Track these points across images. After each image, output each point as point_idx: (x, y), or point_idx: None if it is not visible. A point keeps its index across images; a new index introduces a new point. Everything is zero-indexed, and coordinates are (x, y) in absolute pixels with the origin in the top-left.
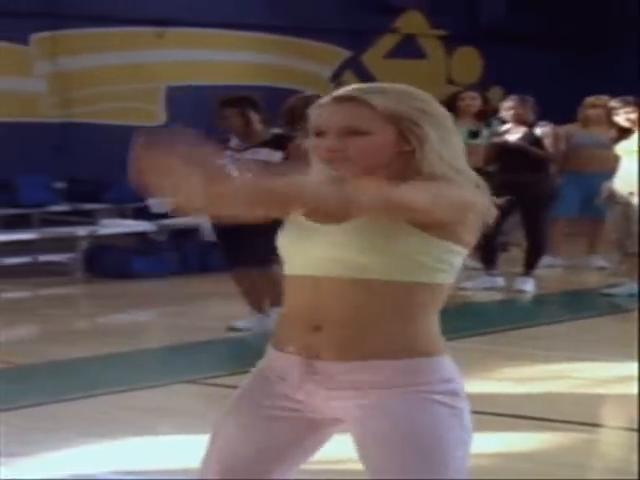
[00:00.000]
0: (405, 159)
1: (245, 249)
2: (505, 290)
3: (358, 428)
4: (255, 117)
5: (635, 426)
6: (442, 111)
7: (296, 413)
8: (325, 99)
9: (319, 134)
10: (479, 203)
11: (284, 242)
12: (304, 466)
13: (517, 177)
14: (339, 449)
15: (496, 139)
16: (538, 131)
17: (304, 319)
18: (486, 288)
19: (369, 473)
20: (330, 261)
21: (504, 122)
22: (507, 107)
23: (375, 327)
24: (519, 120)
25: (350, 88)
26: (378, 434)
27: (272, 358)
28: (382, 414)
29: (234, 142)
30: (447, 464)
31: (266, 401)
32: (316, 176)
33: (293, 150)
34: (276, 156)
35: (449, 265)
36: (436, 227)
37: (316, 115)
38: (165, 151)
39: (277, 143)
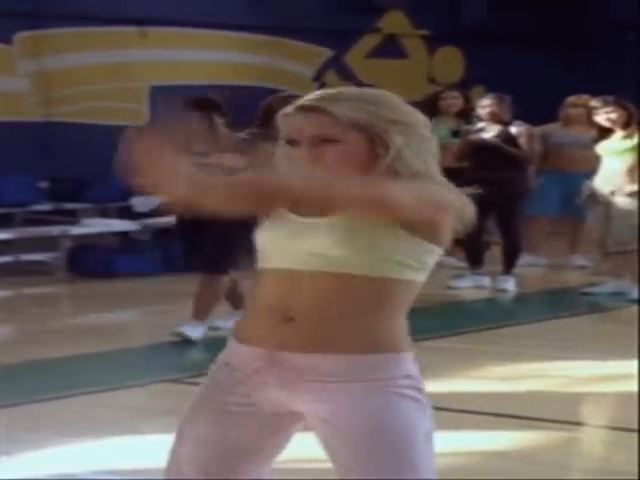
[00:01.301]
0: (380, 166)
1: (206, 250)
2: (489, 289)
3: (324, 425)
4: (219, 121)
5: (616, 424)
6: (413, 116)
7: (257, 408)
8: (290, 108)
9: (291, 143)
10: (456, 203)
11: (264, 235)
12: (276, 466)
13: (490, 175)
14: (309, 448)
15: (471, 136)
16: (513, 130)
17: (276, 311)
18: (473, 287)
19: (339, 471)
20: (306, 254)
21: (480, 120)
22: (483, 105)
23: (344, 321)
24: (495, 118)
25: (313, 96)
26: (346, 430)
27: (234, 351)
28: (348, 410)
29: (199, 147)
30: (418, 458)
31: (228, 398)
32: None
33: (261, 153)
34: (241, 161)
35: (422, 263)
36: (414, 225)
37: (285, 124)
38: (153, 144)
39: (242, 148)
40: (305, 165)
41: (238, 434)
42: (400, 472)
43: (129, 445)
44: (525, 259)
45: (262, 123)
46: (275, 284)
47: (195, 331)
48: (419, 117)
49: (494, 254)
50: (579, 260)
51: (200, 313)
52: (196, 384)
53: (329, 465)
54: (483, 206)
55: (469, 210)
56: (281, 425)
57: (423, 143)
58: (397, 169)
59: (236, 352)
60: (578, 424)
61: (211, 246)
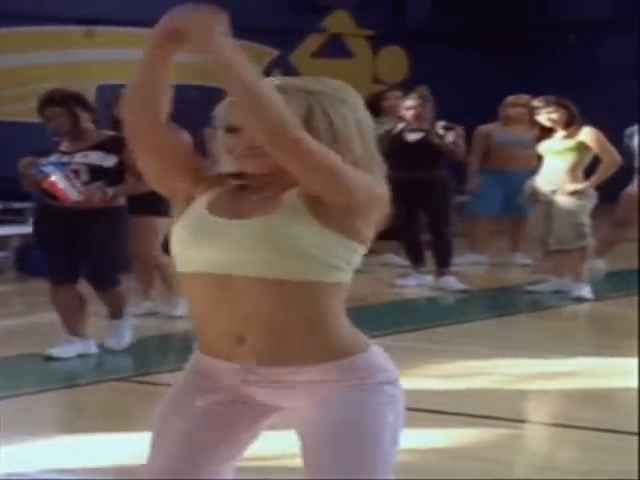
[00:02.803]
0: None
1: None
2: (432, 287)
3: (299, 426)
4: (84, 116)
5: (558, 421)
6: (353, 98)
7: (230, 408)
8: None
9: (231, 131)
10: (385, 197)
11: (182, 236)
12: (241, 464)
13: (414, 175)
14: (275, 445)
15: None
16: (439, 130)
17: (223, 329)
18: (416, 285)
19: (306, 470)
20: (230, 257)
21: (404, 120)
22: (407, 106)
23: (295, 332)
24: (418, 119)
25: None
26: (313, 428)
27: (202, 360)
28: (316, 409)
29: (64, 145)
30: (376, 460)
31: (198, 402)
32: (224, 170)
33: (130, 153)
34: (110, 160)
35: (349, 264)
36: (340, 222)
37: (227, 112)
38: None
39: (111, 146)
40: (243, 153)
41: (205, 438)
42: (355, 472)
43: (77, 443)
44: (468, 257)
45: None
46: (204, 291)
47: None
48: (357, 96)
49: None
50: (521, 258)
51: (71, 329)
52: (144, 383)
53: (290, 462)
54: (413, 206)
55: (387, 205)
56: (248, 427)
57: (366, 121)
58: (342, 153)
59: (200, 359)
60: (521, 421)
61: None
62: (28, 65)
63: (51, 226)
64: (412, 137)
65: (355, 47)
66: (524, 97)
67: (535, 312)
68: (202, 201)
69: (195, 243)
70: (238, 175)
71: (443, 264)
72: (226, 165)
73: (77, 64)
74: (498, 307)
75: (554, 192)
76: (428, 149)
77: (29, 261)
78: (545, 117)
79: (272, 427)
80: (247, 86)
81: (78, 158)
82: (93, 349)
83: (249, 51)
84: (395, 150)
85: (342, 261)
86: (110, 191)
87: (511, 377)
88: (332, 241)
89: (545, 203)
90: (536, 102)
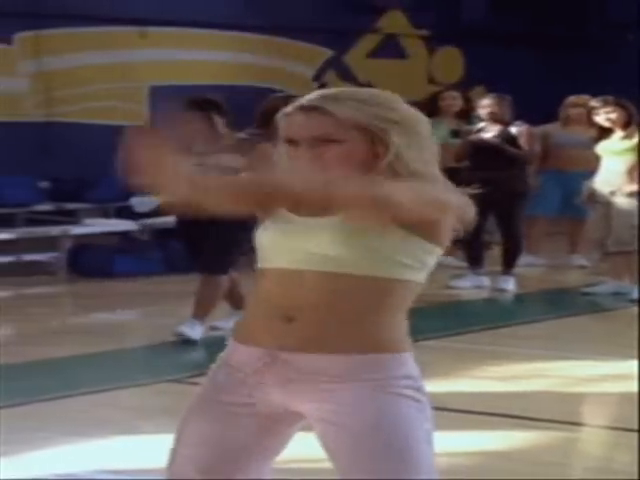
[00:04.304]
0: (381, 165)
1: (206, 251)
2: (488, 289)
3: (324, 425)
4: (219, 120)
5: (616, 424)
6: (413, 116)
7: (257, 410)
8: (290, 108)
9: (291, 143)
10: (455, 203)
11: (264, 235)
12: (276, 466)
13: (490, 175)
14: (310, 447)
15: (472, 137)
16: (513, 130)
17: (276, 311)
18: (472, 287)
19: (339, 471)
20: (307, 254)
21: (481, 120)
22: (483, 105)
23: (344, 321)
24: (495, 118)
25: (314, 96)
26: (346, 430)
27: (234, 351)
28: (348, 410)
29: (198, 146)
30: (417, 458)
31: (227, 398)
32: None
33: (257, 155)
34: (240, 161)
35: (423, 264)
36: (414, 225)
37: (286, 124)
38: (153, 143)
39: (240, 148)
40: (304, 166)
41: (237, 434)
42: (399, 472)
43: (130, 445)
44: (524, 259)
45: (261, 124)
46: (275, 284)
47: (194, 331)
48: (419, 117)
49: (494, 254)
50: (578, 260)
51: (200, 313)
52: (196, 384)
53: (328, 465)
54: (483, 206)
55: (469, 210)
56: (281, 425)
57: (423, 142)
58: (397, 169)
59: (236, 352)
60: (578, 424)
61: (211, 246)
62: (81, 66)
63: (189, 225)
64: (485, 136)
65: (410, 47)
66: (584, 97)
67: (593, 314)
68: (278, 214)
69: (275, 241)
70: None
71: (510, 264)
72: (291, 169)
73: (130, 65)
74: (555, 309)
75: (612, 193)
76: (500, 149)
77: (81, 262)
78: (603, 117)
79: (304, 428)
80: (239, 185)
81: (212, 160)
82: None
83: (303, 52)
84: (471, 150)
85: (414, 260)
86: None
87: (568, 379)
88: (407, 242)
89: (603, 204)
90: (594, 102)
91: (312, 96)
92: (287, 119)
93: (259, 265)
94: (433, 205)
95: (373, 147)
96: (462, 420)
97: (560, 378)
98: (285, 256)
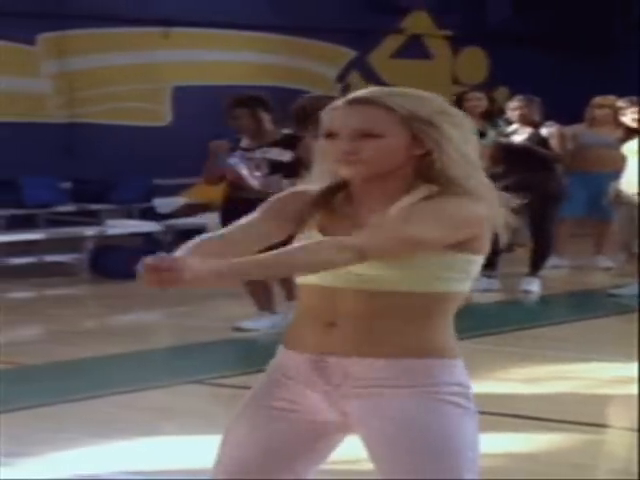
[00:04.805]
0: (417, 163)
1: None
2: (507, 291)
3: (367, 429)
4: (265, 117)
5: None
6: (460, 113)
7: (304, 416)
8: (339, 102)
9: (330, 136)
10: (484, 214)
11: None
12: (320, 466)
13: (524, 178)
14: (356, 449)
15: (502, 140)
16: (544, 131)
17: (319, 318)
18: (483, 290)
19: (380, 474)
20: (345, 273)
21: (510, 123)
22: (513, 107)
23: (390, 327)
24: (525, 120)
25: (366, 91)
26: (388, 435)
27: (282, 357)
28: (392, 414)
29: (245, 142)
30: (459, 464)
31: (275, 403)
32: (319, 179)
33: (303, 149)
34: (286, 155)
35: (466, 274)
36: (454, 243)
37: (329, 118)
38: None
39: (287, 143)
40: (340, 161)
41: (281, 438)
42: (441, 473)
43: (154, 446)
44: (550, 260)
45: (296, 123)
46: (317, 298)
47: (259, 323)
48: (464, 116)
49: (517, 256)
50: (604, 261)
51: (261, 304)
52: (222, 386)
53: (369, 466)
54: (516, 209)
55: (503, 216)
56: (325, 432)
57: (472, 137)
58: (448, 162)
59: (283, 357)
60: (603, 426)
61: None
62: (104, 66)
63: (237, 213)
64: (516, 139)
65: (434, 48)
66: (610, 98)
67: (618, 315)
68: (312, 224)
69: None
70: (338, 187)
71: (537, 267)
72: (322, 177)
73: (153, 65)
74: (580, 311)
75: (638, 194)
76: (532, 151)
77: (103, 263)
78: (630, 118)
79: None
80: (269, 267)
81: (258, 154)
82: (282, 322)
83: (327, 52)
84: (502, 152)
85: (458, 273)
86: (286, 183)
87: (593, 381)
88: (447, 257)
89: (629, 205)
90: (621, 103)
91: (363, 90)
92: (332, 113)
93: (297, 279)
94: (466, 227)
95: (413, 145)
96: (487, 422)
97: (585, 380)
98: (323, 275)
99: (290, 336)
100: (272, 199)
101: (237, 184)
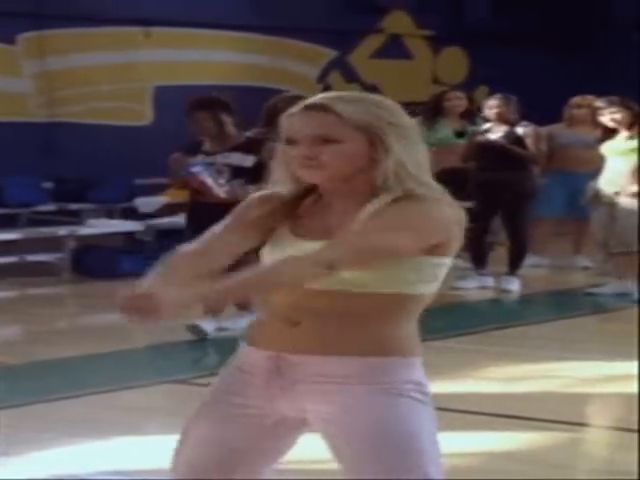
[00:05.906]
0: (378, 167)
1: None
2: (487, 290)
3: (329, 426)
4: (227, 120)
5: (621, 425)
6: (408, 122)
7: (262, 412)
8: (296, 108)
9: (291, 142)
10: (455, 215)
11: (269, 254)
12: (280, 466)
13: (497, 176)
14: (316, 449)
15: (478, 137)
16: (520, 130)
17: (283, 316)
18: (477, 287)
19: (346, 472)
20: None
21: (487, 121)
22: (490, 106)
23: (353, 325)
24: (501, 119)
25: (320, 97)
26: (351, 431)
27: (243, 354)
28: (354, 411)
29: (207, 145)
30: (424, 458)
31: (233, 399)
32: (282, 183)
33: (267, 153)
34: (248, 160)
35: (434, 277)
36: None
37: (288, 124)
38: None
39: (249, 147)
40: (301, 166)
41: (239, 435)
42: (407, 471)
43: (133, 445)
44: (529, 260)
45: (266, 123)
46: (282, 296)
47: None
48: (412, 122)
49: (499, 255)
50: (583, 261)
51: (240, 305)
52: (200, 385)
53: (334, 466)
54: (489, 207)
55: (463, 218)
56: (285, 429)
57: (416, 147)
58: (389, 172)
59: (246, 355)
60: (582, 425)
61: None
62: (85, 66)
63: (202, 221)
64: (491, 137)
65: (414, 48)
66: (589, 98)
67: (597, 315)
68: (284, 228)
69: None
70: (307, 191)
71: (516, 266)
72: (286, 182)
73: (134, 65)
74: (559, 310)
75: (617, 194)
76: (507, 150)
77: (84, 262)
78: (608, 117)
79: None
80: (238, 290)
81: (220, 159)
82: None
83: (307, 52)
84: (477, 151)
85: (426, 275)
86: (251, 188)
87: (573, 380)
88: (415, 261)
89: (607, 205)
90: (599, 102)
91: (318, 97)
92: (289, 119)
93: None
94: (436, 231)
95: (371, 150)
96: (466, 421)
97: (565, 379)
98: None
99: (253, 333)
100: (240, 207)
101: (200, 192)
